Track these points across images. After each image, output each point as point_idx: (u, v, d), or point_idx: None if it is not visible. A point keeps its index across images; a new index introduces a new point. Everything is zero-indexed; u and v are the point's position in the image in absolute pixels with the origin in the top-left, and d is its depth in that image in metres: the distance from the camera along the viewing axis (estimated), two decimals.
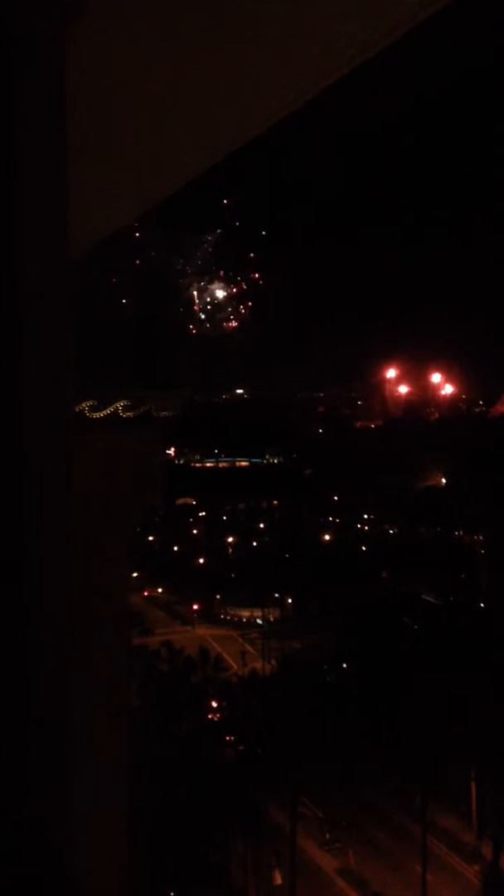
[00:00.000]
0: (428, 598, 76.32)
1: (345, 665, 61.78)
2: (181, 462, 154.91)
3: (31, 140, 1.77)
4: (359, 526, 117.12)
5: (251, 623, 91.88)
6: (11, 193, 1.73)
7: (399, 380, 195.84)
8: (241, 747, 50.73)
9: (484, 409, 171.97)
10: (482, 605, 74.18)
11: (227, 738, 51.69)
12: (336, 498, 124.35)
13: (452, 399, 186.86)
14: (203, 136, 4.04)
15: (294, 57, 3.36)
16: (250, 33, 3.14)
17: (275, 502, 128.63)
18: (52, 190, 1.85)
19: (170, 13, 2.97)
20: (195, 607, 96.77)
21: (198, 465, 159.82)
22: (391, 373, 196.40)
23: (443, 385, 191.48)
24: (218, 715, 54.46)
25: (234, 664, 72.75)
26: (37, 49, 1.81)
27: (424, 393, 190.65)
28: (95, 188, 4.39)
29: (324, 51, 3.23)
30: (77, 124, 2.14)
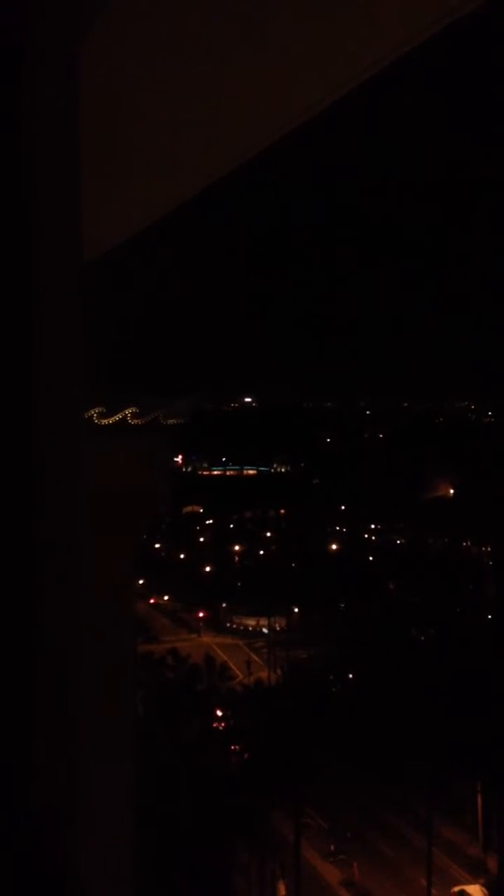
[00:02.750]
0: (435, 609, 76.06)
1: (351, 675, 61.60)
2: (189, 469, 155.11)
3: (44, 142, 1.78)
4: (366, 536, 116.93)
5: (257, 632, 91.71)
6: (25, 194, 1.74)
7: (407, 390, 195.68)
8: (246, 756, 50.57)
9: (492, 419, 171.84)
10: (489, 616, 73.92)
11: (232, 747, 51.55)
12: (343, 507, 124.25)
13: (460, 409, 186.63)
14: (212, 147, 4.07)
15: (300, 72, 3.39)
16: (260, 48, 3.16)
17: (282, 511, 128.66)
18: (66, 193, 1.86)
19: (180, 25, 2.99)
20: (201, 615, 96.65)
21: (205, 472, 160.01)
22: (399, 383, 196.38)
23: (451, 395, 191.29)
24: (223, 724, 54.30)
25: (239, 673, 72.52)
26: (51, 54, 1.82)
27: (433, 403, 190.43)
28: (108, 194, 4.41)
29: (329, 67, 3.26)
30: (89, 130, 2.15)
